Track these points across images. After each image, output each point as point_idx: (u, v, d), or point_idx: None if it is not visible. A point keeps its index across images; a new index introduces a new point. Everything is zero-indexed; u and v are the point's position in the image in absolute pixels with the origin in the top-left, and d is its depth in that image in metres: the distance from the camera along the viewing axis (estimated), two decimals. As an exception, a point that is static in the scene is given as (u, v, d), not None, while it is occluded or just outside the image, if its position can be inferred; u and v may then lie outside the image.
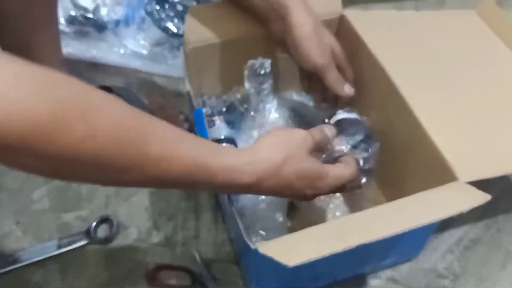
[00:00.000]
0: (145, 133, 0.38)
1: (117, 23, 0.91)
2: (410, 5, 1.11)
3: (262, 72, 0.69)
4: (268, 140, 0.49)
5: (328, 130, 0.58)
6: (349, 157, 0.58)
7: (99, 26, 0.91)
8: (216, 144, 0.47)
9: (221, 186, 0.45)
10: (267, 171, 0.46)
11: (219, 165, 0.43)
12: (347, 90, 0.68)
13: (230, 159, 0.45)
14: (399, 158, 0.68)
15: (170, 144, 0.40)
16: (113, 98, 0.37)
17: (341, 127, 0.65)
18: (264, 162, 0.46)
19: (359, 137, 0.64)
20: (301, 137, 0.50)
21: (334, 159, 0.58)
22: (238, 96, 0.79)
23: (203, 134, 0.62)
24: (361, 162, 0.61)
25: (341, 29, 0.75)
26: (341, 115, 0.68)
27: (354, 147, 0.62)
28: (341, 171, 0.53)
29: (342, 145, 0.61)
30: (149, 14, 0.91)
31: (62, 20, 0.91)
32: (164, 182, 0.41)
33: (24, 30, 0.64)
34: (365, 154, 0.62)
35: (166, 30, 0.90)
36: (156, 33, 0.92)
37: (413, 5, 1.11)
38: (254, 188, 0.46)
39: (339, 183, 0.53)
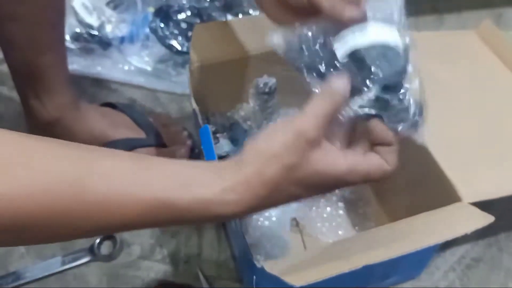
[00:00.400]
0: (80, 175, 0.31)
1: (121, 40, 0.92)
2: (409, 22, 1.12)
3: (267, 90, 0.70)
4: (257, 147, 0.38)
5: (341, 84, 0.39)
6: (383, 128, 0.41)
7: (104, 43, 0.91)
8: (190, 172, 0.36)
9: (200, 221, 0.38)
10: (257, 196, 0.36)
11: (187, 200, 0.34)
12: (350, 12, 0.42)
13: (203, 190, 0.35)
14: (402, 178, 0.68)
15: (118, 181, 0.32)
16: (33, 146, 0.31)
17: (360, 63, 0.40)
18: (253, 184, 0.36)
19: (394, 78, 0.41)
20: (302, 132, 0.36)
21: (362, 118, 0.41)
22: (242, 113, 0.80)
23: (209, 152, 0.63)
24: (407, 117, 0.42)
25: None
26: (357, 37, 0.41)
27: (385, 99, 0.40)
28: (375, 166, 0.40)
29: (363, 101, 0.40)
30: (154, 31, 0.92)
31: (67, 37, 0.92)
32: (125, 226, 0.34)
33: (31, 52, 0.65)
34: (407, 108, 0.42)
35: (170, 47, 0.91)
36: (160, 50, 0.93)
37: (413, 22, 1.12)
38: (244, 214, 0.37)
39: (373, 179, 0.41)
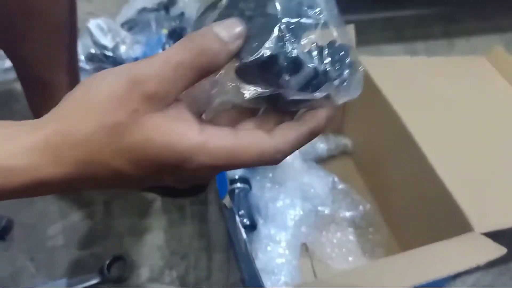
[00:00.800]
0: None
1: (135, 60, 0.94)
2: (420, 46, 1.13)
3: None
4: (73, 97, 0.27)
5: (223, 29, 0.27)
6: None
7: (118, 64, 0.93)
8: None
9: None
10: (64, 163, 0.26)
11: None
12: None
13: None
14: (414, 206, 0.68)
15: None
16: None
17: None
18: (54, 145, 0.26)
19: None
20: (137, 81, 0.26)
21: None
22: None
23: (220, 174, 0.63)
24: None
25: (355, 74, 0.77)
26: None
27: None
28: (247, 143, 0.28)
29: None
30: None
31: (82, 57, 0.94)
32: None
33: (44, 72, 0.66)
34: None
35: (182, 68, 0.93)
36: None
37: (424, 47, 1.13)
38: (48, 188, 0.27)
39: (246, 160, 0.28)
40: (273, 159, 0.28)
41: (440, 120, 0.69)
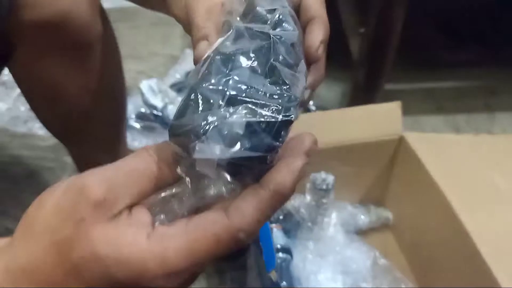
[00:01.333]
0: None
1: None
2: (461, 119, 1.13)
3: (325, 187, 0.71)
4: (28, 214, 0.25)
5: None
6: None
7: (165, 124, 0.96)
8: None
9: None
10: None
11: None
12: None
13: None
14: (444, 268, 0.66)
15: None
16: None
17: None
18: (11, 271, 0.24)
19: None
20: (84, 188, 0.24)
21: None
22: (295, 203, 0.81)
23: (267, 244, 0.63)
24: None
25: (400, 150, 0.77)
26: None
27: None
28: (203, 228, 0.24)
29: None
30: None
31: (132, 115, 0.98)
32: None
33: (96, 150, 0.69)
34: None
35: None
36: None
37: (464, 119, 1.13)
38: None
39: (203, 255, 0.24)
40: (235, 241, 0.24)
41: (487, 202, 0.68)
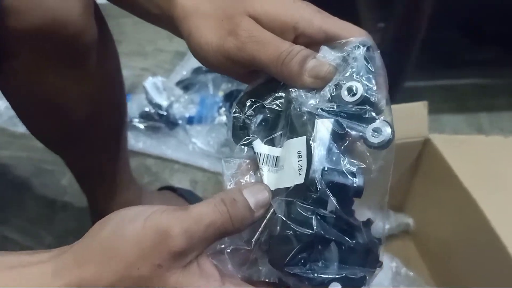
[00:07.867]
0: None
1: (189, 119, 0.93)
2: (484, 118, 1.07)
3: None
4: (101, 237, 0.27)
5: (252, 196, 0.29)
6: None
7: (171, 123, 0.92)
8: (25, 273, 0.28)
9: None
10: None
11: None
12: (307, 80, 0.33)
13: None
14: (472, 278, 0.61)
15: None
16: None
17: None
18: None
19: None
20: (167, 237, 0.26)
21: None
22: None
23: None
24: None
25: (425, 152, 0.72)
26: None
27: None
28: None
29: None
30: (221, 115, 0.92)
31: (136, 115, 0.93)
32: None
33: (95, 158, 0.65)
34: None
35: (236, 131, 0.90)
36: (225, 134, 0.92)
37: (487, 118, 1.07)
38: None
39: None
40: None
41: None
